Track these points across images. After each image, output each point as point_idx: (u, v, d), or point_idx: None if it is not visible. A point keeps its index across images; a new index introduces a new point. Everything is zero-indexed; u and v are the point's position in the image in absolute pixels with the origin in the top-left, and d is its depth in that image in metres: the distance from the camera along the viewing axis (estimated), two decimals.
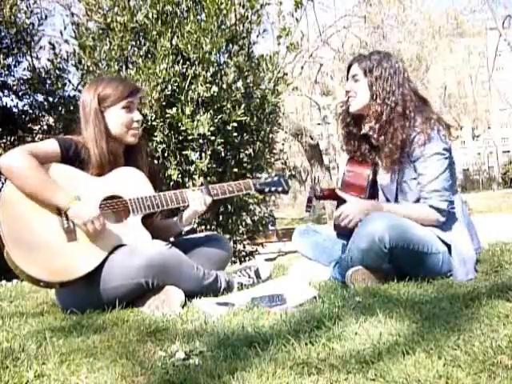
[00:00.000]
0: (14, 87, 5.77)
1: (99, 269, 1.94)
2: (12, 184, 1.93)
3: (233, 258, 5.31)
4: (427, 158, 2.17)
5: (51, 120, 5.82)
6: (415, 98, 2.28)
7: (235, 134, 4.90)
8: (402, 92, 2.24)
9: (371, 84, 2.26)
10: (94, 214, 1.94)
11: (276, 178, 2.36)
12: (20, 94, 5.78)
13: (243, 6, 5.12)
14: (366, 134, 2.34)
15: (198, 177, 4.73)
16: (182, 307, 1.90)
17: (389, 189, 2.34)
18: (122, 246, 2.00)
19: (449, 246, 2.18)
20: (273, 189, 2.35)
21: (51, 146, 2.02)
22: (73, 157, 2.04)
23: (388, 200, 2.36)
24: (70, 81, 5.55)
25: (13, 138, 5.84)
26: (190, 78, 4.73)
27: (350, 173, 2.38)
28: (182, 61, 4.78)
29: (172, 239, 2.34)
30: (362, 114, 2.33)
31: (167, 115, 4.71)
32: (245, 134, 5.09)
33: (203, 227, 5.15)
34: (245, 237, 5.80)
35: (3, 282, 3.37)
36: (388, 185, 2.33)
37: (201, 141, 4.75)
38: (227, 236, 5.07)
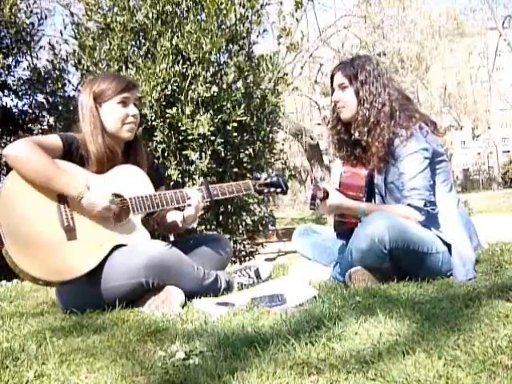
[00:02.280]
0: (14, 87, 5.77)
1: (99, 268, 1.94)
2: (19, 173, 1.91)
3: (233, 258, 5.31)
4: (406, 156, 2.18)
5: (51, 120, 5.83)
6: (400, 96, 2.29)
7: (235, 134, 4.90)
8: (388, 92, 2.26)
9: (357, 90, 2.27)
10: (107, 199, 1.95)
11: (275, 179, 2.38)
12: (20, 94, 5.79)
13: (243, 6, 5.13)
14: (357, 138, 2.34)
15: (198, 177, 4.74)
16: (182, 307, 1.90)
17: (381, 188, 2.35)
18: (121, 245, 2.00)
19: (448, 246, 2.18)
20: (272, 189, 2.37)
21: (54, 139, 2.02)
22: (74, 152, 2.04)
23: (383, 200, 2.37)
24: (69, 81, 5.55)
25: (13, 138, 5.84)
26: (189, 78, 4.74)
27: (347, 173, 2.38)
28: (181, 61, 4.79)
29: (172, 239, 2.34)
30: (352, 120, 2.33)
31: (167, 115, 4.71)
32: (245, 134, 5.10)
33: (203, 227, 5.15)
34: (245, 237, 5.80)
35: (3, 282, 3.37)
36: (380, 185, 2.34)
37: (201, 141, 4.75)
38: (227, 236, 5.07)
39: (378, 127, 2.22)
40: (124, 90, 2.13)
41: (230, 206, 5.29)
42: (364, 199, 2.32)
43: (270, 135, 5.46)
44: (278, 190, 2.38)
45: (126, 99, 2.13)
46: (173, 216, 2.30)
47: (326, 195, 2.23)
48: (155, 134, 4.72)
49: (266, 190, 2.36)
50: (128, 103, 2.14)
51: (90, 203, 1.94)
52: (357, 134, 2.32)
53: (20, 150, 1.92)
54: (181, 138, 4.81)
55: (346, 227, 2.34)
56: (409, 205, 2.17)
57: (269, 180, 2.36)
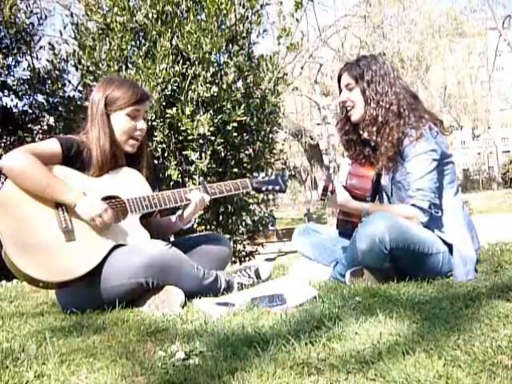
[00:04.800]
0: (14, 87, 5.77)
1: (99, 268, 1.93)
2: (15, 184, 1.92)
3: (233, 258, 5.31)
4: (414, 157, 2.18)
5: (51, 120, 5.83)
6: (407, 94, 2.29)
7: (235, 134, 4.90)
8: (395, 91, 2.25)
9: (364, 89, 2.27)
10: (101, 207, 1.94)
11: (273, 177, 2.37)
12: (20, 94, 5.79)
13: (243, 6, 5.13)
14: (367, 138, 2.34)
15: (198, 177, 4.74)
16: (182, 307, 1.90)
17: (388, 188, 2.35)
18: (120, 245, 2.00)
19: (449, 246, 2.18)
20: (270, 187, 2.35)
21: (52, 145, 2.01)
22: (74, 157, 2.04)
23: (389, 199, 2.37)
24: (69, 81, 5.56)
25: (13, 138, 5.85)
26: (189, 78, 4.74)
27: (355, 175, 2.38)
28: (181, 61, 4.79)
29: (172, 239, 2.34)
30: (360, 120, 2.33)
31: (167, 115, 4.71)
32: (245, 134, 5.10)
33: (203, 227, 5.16)
34: (245, 237, 5.80)
35: (3, 282, 3.37)
36: (387, 185, 2.34)
37: (201, 141, 4.76)
38: (227, 236, 5.08)
39: (386, 127, 2.22)
40: (136, 103, 2.12)
41: (230, 206, 5.29)
42: (369, 199, 2.32)
43: (270, 135, 5.46)
44: (277, 187, 2.36)
45: (136, 112, 2.13)
46: (166, 219, 2.30)
47: (335, 190, 2.23)
48: (155, 134, 4.72)
49: (264, 188, 2.35)
50: (138, 116, 2.14)
51: (83, 211, 1.94)
52: (366, 134, 2.32)
53: (15, 162, 1.92)
54: (181, 138, 4.82)
55: (349, 226, 2.34)
56: (413, 205, 2.17)
57: (267, 178, 2.36)
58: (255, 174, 2.39)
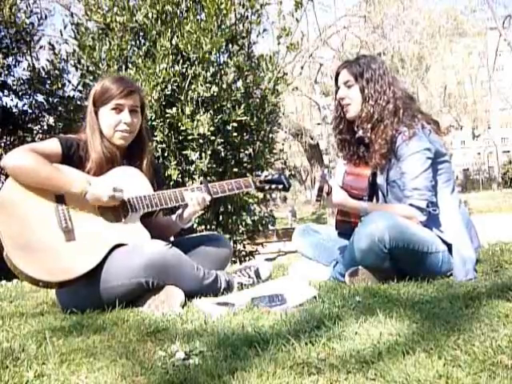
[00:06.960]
0: (14, 87, 5.78)
1: (99, 268, 1.93)
2: (19, 181, 1.92)
3: (233, 258, 5.31)
4: (408, 156, 2.18)
5: (51, 120, 5.84)
6: (403, 95, 2.30)
7: (235, 133, 4.91)
8: (393, 90, 2.27)
9: (363, 87, 2.27)
10: (110, 189, 1.97)
11: (276, 176, 2.34)
12: (20, 94, 5.79)
13: (243, 6, 5.14)
14: (361, 137, 2.34)
15: (198, 177, 4.74)
16: (182, 307, 1.90)
17: (383, 188, 2.35)
18: (121, 245, 2.00)
19: (449, 246, 2.18)
20: (273, 186, 2.33)
21: (53, 145, 2.02)
22: (73, 156, 2.04)
23: (385, 199, 2.37)
24: (69, 81, 5.57)
25: (13, 138, 5.85)
26: (189, 77, 4.74)
27: (351, 174, 2.38)
28: (181, 61, 4.80)
29: (172, 239, 2.33)
30: (356, 118, 2.33)
31: (167, 115, 4.72)
32: (245, 134, 5.11)
33: (203, 227, 5.16)
34: (245, 237, 5.80)
35: (3, 282, 3.37)
36: (382, 184, 2.34)
37: (201, 141, 4.76)
38: (227, 236, 5.08)
39: (381, 124, 2.22)
40: (118, 97, 2.10)
41: (230, 206, 5.29)
42: (366, 198, 2.32)
43: (270, 135, 5.47)
44: (280, 186, 2.33)
45: (120, 106, 2.11)
46: (166, 219, 2.30)
47: (330, 191, 2.23)
48: (155, 134, 4.72)
49: (267, 187, 2.32)
50: (122, 110, 2.11)
51: (95, 196, 1.95)
52: (360, 132, 2.32)
53: (18, 159, 1.93)
54: (181, 137, 4.82)
55: (348, 226, 2.34)
56: (411, 205, 2.17)
57: (270, 176, 2.33)
58: (258, 173, 2.36)
